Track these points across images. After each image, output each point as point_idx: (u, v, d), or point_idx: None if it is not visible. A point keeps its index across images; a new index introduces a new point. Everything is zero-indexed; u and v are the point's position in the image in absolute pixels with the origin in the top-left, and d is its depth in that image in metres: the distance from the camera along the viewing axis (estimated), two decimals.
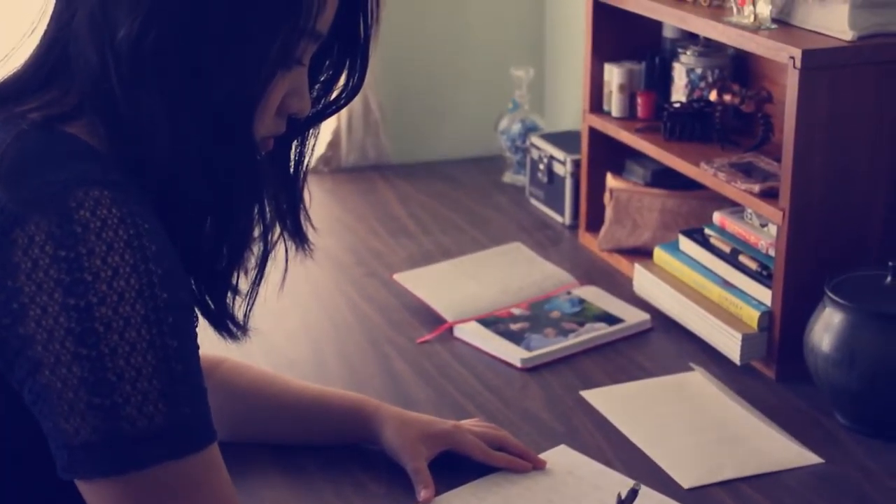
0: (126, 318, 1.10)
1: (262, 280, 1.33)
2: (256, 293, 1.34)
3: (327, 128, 3.03)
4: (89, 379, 1.10)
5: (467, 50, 3.18)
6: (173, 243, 1.18)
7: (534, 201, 2.82)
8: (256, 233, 1.30)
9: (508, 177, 2.99)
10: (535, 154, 2.79)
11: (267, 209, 1.31)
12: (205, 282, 1.29)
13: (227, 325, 1.34)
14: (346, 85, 1.37)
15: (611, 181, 2.47)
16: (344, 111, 2.92)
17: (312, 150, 1.40)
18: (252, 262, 1.31)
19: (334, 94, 1.38)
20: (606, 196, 2.47)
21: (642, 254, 2.37)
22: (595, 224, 2.53)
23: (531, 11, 3.20)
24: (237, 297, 1.33)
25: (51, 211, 1.10)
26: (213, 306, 1.31)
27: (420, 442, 1.67)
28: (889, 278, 1.83)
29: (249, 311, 1.35)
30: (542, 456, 1.73)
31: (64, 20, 1.22)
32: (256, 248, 1.31)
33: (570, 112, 3.05)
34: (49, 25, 1.25)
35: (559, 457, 1.74)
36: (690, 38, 2.39)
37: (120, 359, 1.10)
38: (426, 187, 2.97)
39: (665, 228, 2.38)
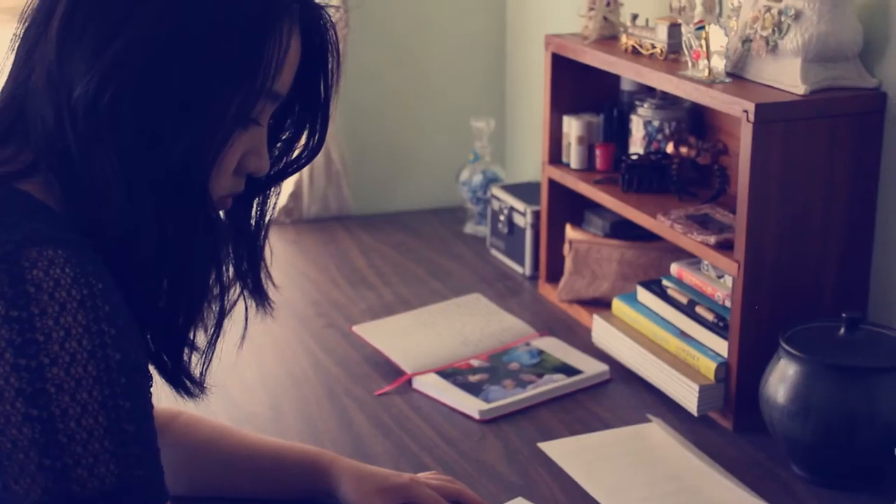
0: (78, 379, 1.10)
1: (220, 338, 1.32)
2: (214, 351, 1.33)
3: (289, 179, 3.02)
4: (40, 440, 1.09)
5: (428, 101, 3.20)
6: (128, 300, 1.17)
7: (494, 252, 2.83)
8: (216, 290, 1.29)
9: (470, 227, 3.00)
10: (495, 205, 2.80)
11: (225, 268, 1.30)
12: (161, 338, 1.29)
13: (184, 383, 1.33)
14: (306, 144, 1.37)
15: (570, 232, 2.48)
16: None
17: (273, 208, 1.40)
18: (210, 317, 1.31)
19: (295, 153, 1.38)
20: (566, 247, 2.48)
21: (601, 304, 2.38)
22: (555, 275, 2.54)
23: (492, 63, 3.22)
24: (194, 354, 1.32)
25: (3, 270, 1.09)
26: (169, 363, 1.31)
27: (377, 495, 1.66)
28: (843, 329, 1.85)
29: (206, 368, 1.34)
30: None
31: (21, 78, 1.22)
32: (215, 304, 1.30)
33: (531, 163, 3.07)
34: (6, 83, 1.25)
35: None
36: (648, 90, 2.41)
37: (71, 420, 1.10)
38: (387, 238, 2.98)
39: (624, 279, 2.39)
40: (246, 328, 1.38)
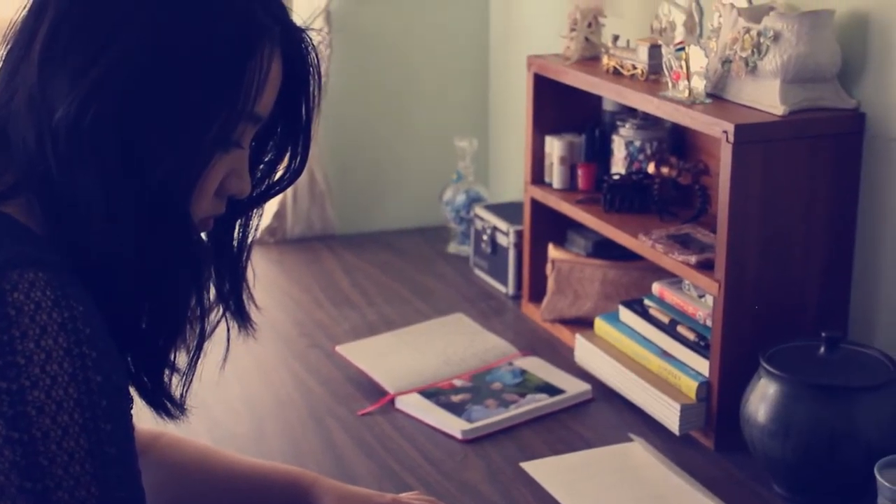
0: (59, 401, 1.10)
1: (201, 360, 1.32)
2: (194, 372, 1.33)
3: (273, 198, 3.03)
4: (21, 463, 1.09)
5: (412, 121, 3.21)
6: (109, 322, 1.17)
7: (478, 271, 2.83)
8: (197, 312, 1.29)
9: (453, 247, 3.00)
10: (478, 225, 2.81)
11: (207, 290, 1.31)
12: (142, 360, 1.29)
13: (164, 404, 1.33)
14: (288, 166, 1.37)
15: (552, 252, 2.49)
16: None
17: (256, 229, 1.40)
18: (191, 339, 1.31)
19: (277, 175, 1.38)
20: (548, 267, 2.49)
21: (584, 324, 2.38)
22: (538, 294, 2.55)
23: (475, 83, 3.24)
24: (175, 376, 1.32)
25: None
26: (149, 385, 1.31)
27: None
28: (823, 349, 1.86)
29: (187, 390, 1.34)
30: None
31: (3, 100, 1.22)
32: (196, 326, 1.31)
33: (514, 183, 3.08)
34: None
35: None
36: (629, 111, 2.43)
37: (52, 443, 1.10)
38: (371, 258, 2.98)
39: (606, 298, 2.40)
40: (228, 350, 1.38)
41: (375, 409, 2.15)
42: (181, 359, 1.32)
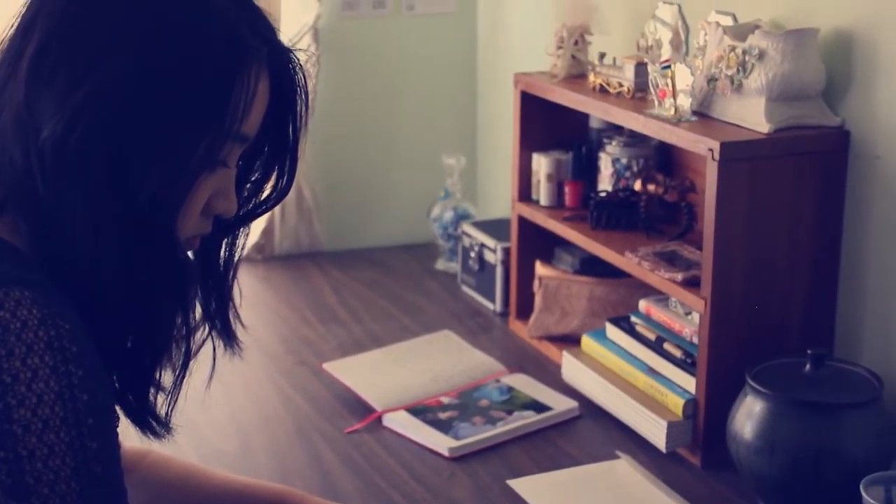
0: (45, 420, 1.10)
1: (186, 378, 1.32)
2: (180, 391, 1.33)
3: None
4: (7, 481, 1.09)
5: (400, 138, 3.22)
6: (95, 340, 1.18)
7: (465, 288, 2.84)
8: (182, 331, 1.29)
9: (441, 264, 3.01)
10: (466, 242, 2.81)
11: (192, 309, 1.31)
12: (127, 378, 1.29)
13: (149, 423, 1.33)
14: (275, 185, 1.37)
15: (540, 269, 2.50)
16: None
17: (242, 249, 1.40)
18: (177, 358, 1.31)
19: (264, 194, 1.39)
20: (536, 284, 2.49)
21: (571, 341, 2.39)
22: (525, 311, 2.56)
23: (463, 101, 3.25)
24: (160, 394, 1.32)
25: None
26: (134, 403, 1.31)
27: None
28: (808, 366, 1.86)
29: (172, 409, 1.34)
30: None
31: None
32: (182, 345, 1.31)
33: (502, 200, 3.08)
34: None
35: None
36: (616, 128, 2.44)
37: (38, 461, 1.10)
38: (359, 274, 2.98)
39: (593, 315, 2.41)
40: (213, 368, 1.38)
41: (362, 426, 2.15)
42: (167, 377, 1.32)
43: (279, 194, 1.38)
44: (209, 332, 1.35)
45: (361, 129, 3.18)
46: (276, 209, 3.03)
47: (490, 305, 2.73)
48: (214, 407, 2.19)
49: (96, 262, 1.18)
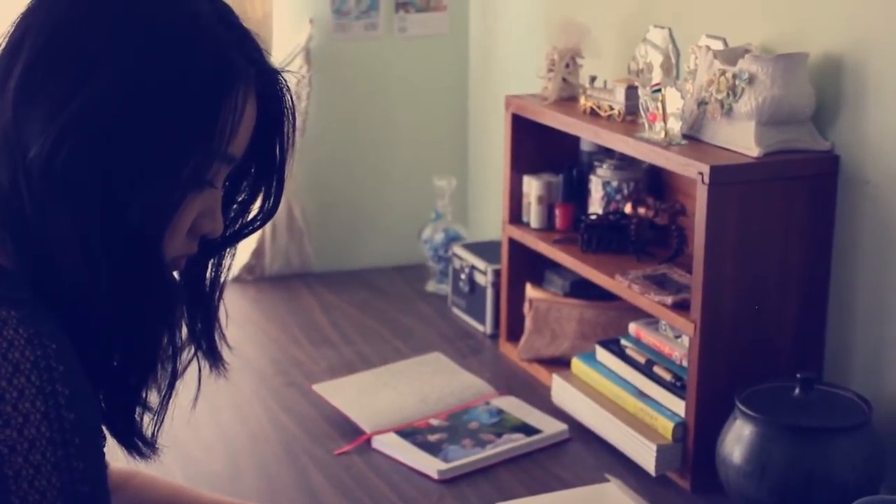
0: (31, 440, 1.10)
1: (172, 399, 1.32)
2: (166, 412, 1.33)
3: (251, 236, 3.04)
4: None
5: (391, 159, 3.24)
6: (82, 359, 1.17)
7: (456, 310, 2.84)
8: (168, 351, 1.29)
9: (432, 286, 3.02)
10: (457, 264, 2.82)
11: (178, 329, 1.31)
12: (113, 398, 1.29)
13: (135, 443, 1.33)
14: (262, 206, 1.38)
15: (530, 291, 2.50)
16: None
17: (228, 269, 1.40)
18: (163, 378, 1.31)
19: (251, 215, 1.39)
20: (526, 306, 2.50)
21: (561, 363, 2.39)
22: (515, 333, 2.56)
23: (454, 123, 3.27)
24: (147, 414, 1.32)
25: None
26: (120, 424, 1.30)
27: None
28: (798, 390, 1.87)
29: (158, 429, 1.34)
30: None
31: None
32: (168, 365, 1.31)
33: (493, 221, 3.09)
34: None
35: None
36: (606, 151, 2.44)
37: (24, 482, 1.10)
38: (349, 296, 2.99)
39: (583, 338, 2.41)
40: (199, 389, 1.38)
41: (352, 448, 2.15)
42: (153, 398, 1.32)
43: (265, 215, 1.38)
44: (195, 353, 1.35)
45: (353, 149, 3.20)
46: (267, 229, 3.06)
47: (480, 327, 2.73)
48: (203, 427, 2.19)
49: (83, 281, 1.18)
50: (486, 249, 2.80)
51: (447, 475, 2.05)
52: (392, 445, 2.14)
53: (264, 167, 1.34)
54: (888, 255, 1.93)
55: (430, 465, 2.06)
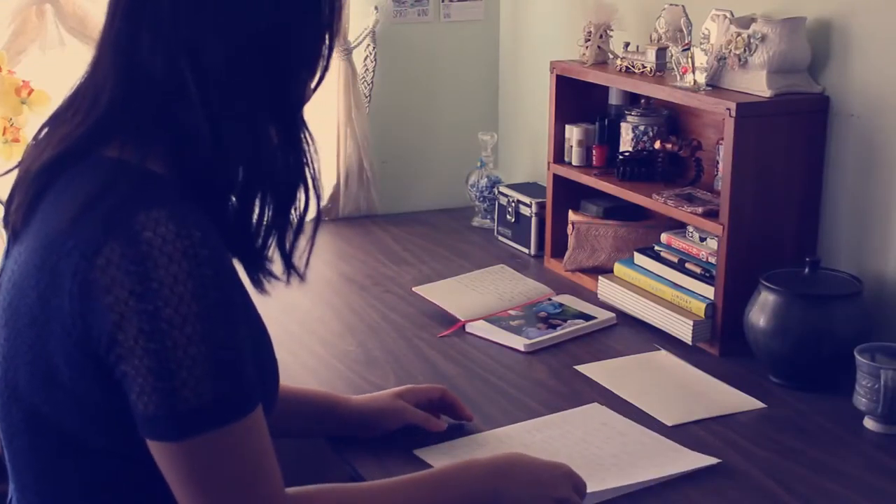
0: (184, 316, 1.17)
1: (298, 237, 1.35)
2: (298, 241, 1.35)
3: (328, 183, 3.29)
4: (155, 368, 1.18)
5: (440, 120, 3.45)
6: (222, 233, 1.24)
7: (502, 238, 3.09)
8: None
9: (477, 221, 3.26)
10: (503, 200, 3.07)
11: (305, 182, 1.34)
12: (247, 246, 1.33)
13: (263, 264, 1.34)
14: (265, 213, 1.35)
15: (572, 216, 2.77)
16: (342, 170, 3.20)
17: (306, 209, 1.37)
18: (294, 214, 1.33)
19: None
20: (569, 227, 2.76)
21: (600, 272, 2.65)
22: (558, 251, 2.82)
23: (489, 90, 3.50)
24: (296, 248, 1.35)
25: (121, 234, 1.18)
26: (256, 269, 1.35)
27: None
28: (807, 270, 2.16)
29: (298, 255, 1.36)
30: (578, 411, 1.98)
31: (131, 35, 1.24)
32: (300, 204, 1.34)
33: (522, 168, 3.36)
34: (101, 53, 1.28)
35: (593, 411, 2.00)
36: (632, 102, 2.72)
37: (179, 350, 1.17)
38: (410, 230, 3.22)
39: (618, 251, 2.68)
40: (311, 249, 1.38)
41: (451, 332, 2.40)
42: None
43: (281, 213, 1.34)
44: (294, 237, 1.35)
45: (409, 113, 3.40)
46: (342, 178, 3.27)
47: (525, 250, 2.99)
48: (330, 322, 2.43)
49: (251, 157, 1.26)
50: (523, 188, 3.05)
51: (531, 348, 2.30)
52: (483, 329, 2.38)
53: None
54: (867, 170, 2.20)
55: (517, 342, 2.31)
